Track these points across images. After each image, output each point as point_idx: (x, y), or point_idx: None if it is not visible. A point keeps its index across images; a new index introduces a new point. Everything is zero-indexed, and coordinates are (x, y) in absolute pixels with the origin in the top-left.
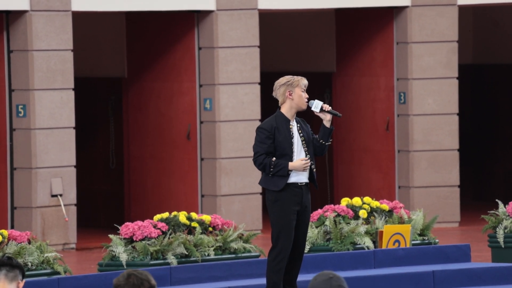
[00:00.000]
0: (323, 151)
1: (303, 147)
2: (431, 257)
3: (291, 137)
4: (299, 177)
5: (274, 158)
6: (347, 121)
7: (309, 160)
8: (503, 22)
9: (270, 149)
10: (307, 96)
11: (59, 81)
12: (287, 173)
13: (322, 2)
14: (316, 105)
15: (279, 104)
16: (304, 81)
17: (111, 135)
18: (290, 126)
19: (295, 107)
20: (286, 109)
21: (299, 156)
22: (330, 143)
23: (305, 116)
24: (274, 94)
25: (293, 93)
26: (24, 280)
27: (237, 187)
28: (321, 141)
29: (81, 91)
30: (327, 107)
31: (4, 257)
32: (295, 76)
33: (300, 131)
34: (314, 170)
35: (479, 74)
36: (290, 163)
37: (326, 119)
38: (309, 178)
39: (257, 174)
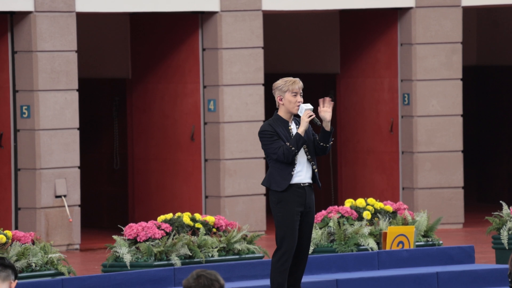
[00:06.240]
0: (326, 151)
1: (303, 148)
2: (435, 259)
3: (290, 138)
4: (302, 178)
5: (287, 143)
6: (351, 122)
7: (310, 111)
8: (507, 23)
9: (282, 143)
10: (300, 100)
11: (63, 82)
12: (303, 138)
13: (326, 3)
14: (301, 111)
15: (277, 106)
16: (296, 85)
17: (115, 136)
18: (290, 128)
19: (288, 112)
20: (283, 112)
21: (300, 156)
22: (331, 143)
23: None
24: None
25: (283, 98)
26: (16, 281)
27: (241, 188)
28: (321, 143)
29: (85, 92)
30: (308, 114)
31: None
32: (288, 79)
33: None
34: (316, 170)
35: (483, 76)
36: (298, 130)
37: (326, 121)
38: (312, 178)
39: (261, 175)
